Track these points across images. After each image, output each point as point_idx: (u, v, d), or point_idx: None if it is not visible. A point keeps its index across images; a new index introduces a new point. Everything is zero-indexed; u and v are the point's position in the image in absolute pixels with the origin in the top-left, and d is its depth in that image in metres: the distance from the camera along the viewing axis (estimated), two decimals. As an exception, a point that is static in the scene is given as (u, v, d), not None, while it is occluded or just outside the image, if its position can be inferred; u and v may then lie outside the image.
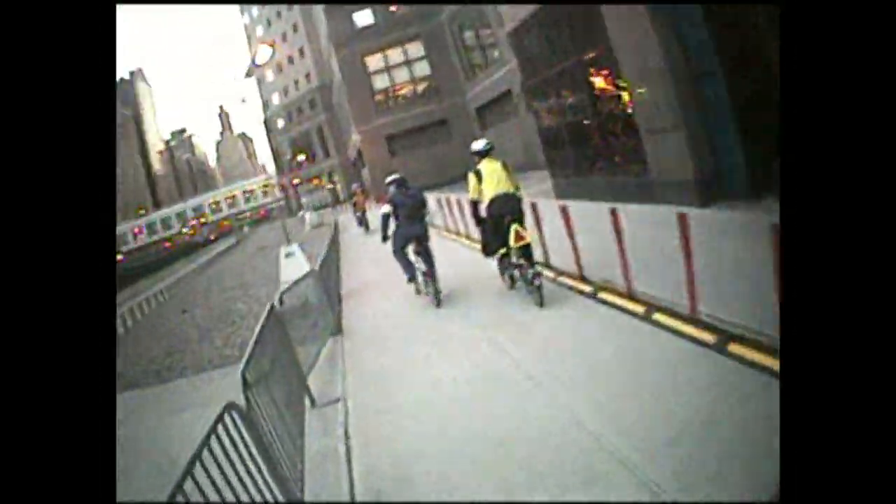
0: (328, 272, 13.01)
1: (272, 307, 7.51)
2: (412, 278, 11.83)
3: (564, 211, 9.90)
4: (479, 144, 10.40)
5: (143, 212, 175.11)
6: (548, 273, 10.78)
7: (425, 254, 11.33)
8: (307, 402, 7.76)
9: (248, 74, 20.10)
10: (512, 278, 10.51)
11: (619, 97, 15.63)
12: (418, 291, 12.03)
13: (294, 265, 17.47)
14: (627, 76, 14.80)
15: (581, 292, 9.60)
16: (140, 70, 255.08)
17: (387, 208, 11.66)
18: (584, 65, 16.81)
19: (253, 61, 20.06)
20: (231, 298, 23.32)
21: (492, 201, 9.86)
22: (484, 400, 6.69)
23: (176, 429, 9.16)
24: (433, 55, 53.85)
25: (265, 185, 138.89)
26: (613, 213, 8.48)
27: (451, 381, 7.42)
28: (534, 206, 10.92)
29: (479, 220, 10.58)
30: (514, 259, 9.89)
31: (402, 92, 55.76)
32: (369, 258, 19.65)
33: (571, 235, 9.96)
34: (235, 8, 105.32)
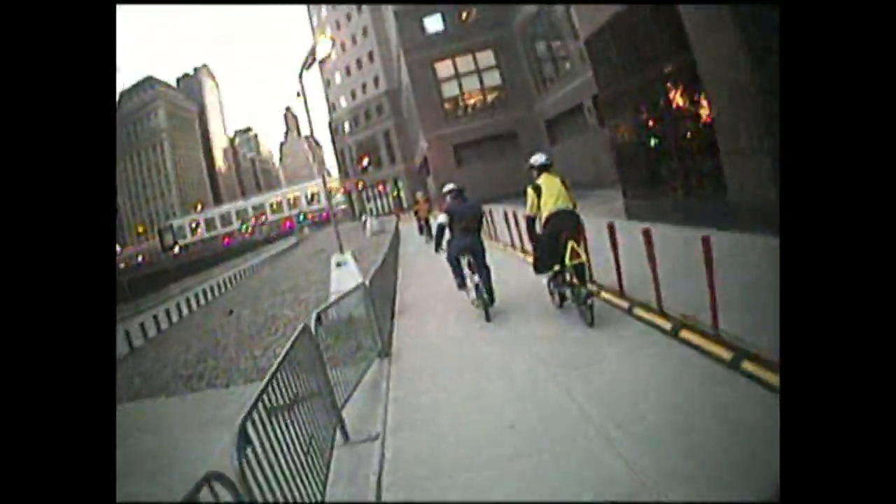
0: (382, 285, 12.22)
1: (303, 330, 6.59)
2: (462, 285, 11.80)
3: (647, 235, 8.78)
4: (539, 158, 10.27)
5: (199, 207, 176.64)
6: (621, 303, 9.98)
7: (479, 267, 11.23)
8: (339, 436, 6.88)
9: (307, 67, 19.60)
10: (562, 297, 10.29)
11: (700, 114, 14.56)
12: (474, 303, 11.53)
13: (345, 276, 16.66)
14: (710, 91, 13.80)
15: (658, 328, 8.52)
16: (206, 66, 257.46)
17: (443, 218, 11.52)
18: (663, 77, 15.74)
19: (311, 54, 19.57)
20: (280, 303, 22.64)
21: (549, 217, 9.72)
22: (545, 456, 5.68)
23: (192, 447, 8.37)
24: (503, 65, 52.97)
25: (329, 188, 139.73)
26: (706, 242, 7.37)
27: (508, 429, 6.40)
28: (611, 229, 10.06)
29: (533, 236, 10.39)
30: (567, 277, 9.68)
31: (472, 101, 55.03)
32: (429, 270, 18.64)
33: (653, 263, 8.81)
34: (304, 10, 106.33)
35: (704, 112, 14.26)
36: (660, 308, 8.88)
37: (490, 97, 54.49)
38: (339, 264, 17.35)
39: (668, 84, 15.56)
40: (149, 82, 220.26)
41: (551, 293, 10.59)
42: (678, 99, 15.37)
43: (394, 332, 11.28)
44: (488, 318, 10.88)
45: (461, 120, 54.47)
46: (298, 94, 16.46)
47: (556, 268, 9.88)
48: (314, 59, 16.01)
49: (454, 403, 7.49)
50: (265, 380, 4.97)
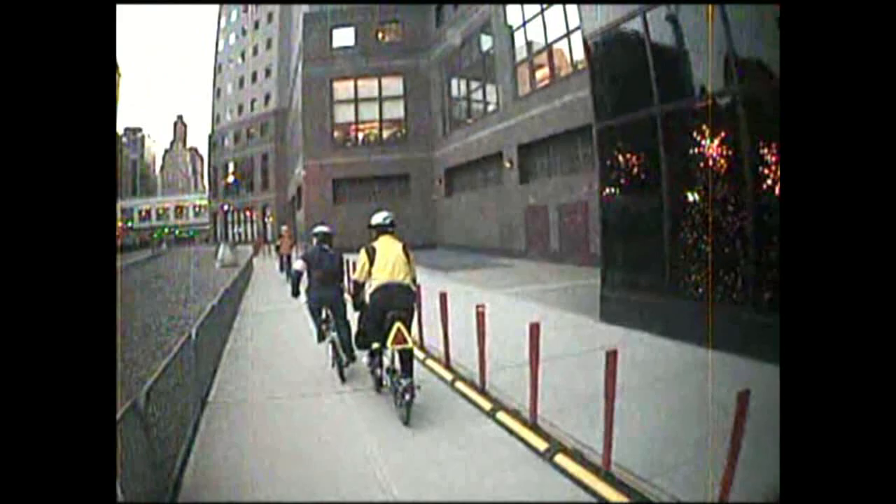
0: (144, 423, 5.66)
1: None
2: (322, 338, 10.73)
3: (612, 360, 5.87)
4: (380, 217, 9.01)
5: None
6: (535, 441, 6.82)
7: (338, 322, 10.32)
8: None
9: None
10: (380, 381, 8.99)
11: (752, 176, 9.76)
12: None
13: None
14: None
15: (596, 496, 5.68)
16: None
17: (299, 265, 10.76)
18: (699, 111, 10.62)
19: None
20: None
21: (378, 289, 8.48)
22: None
23: None
24: (411, 97, 46.99)
25: (198, 205, 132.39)
26: (743, 400, 4.87)
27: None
28: (532, 332, 7.28)
29: (357, 305, 9.24)
30: (388, 362, 8.56)
31: (366, 131, 48.54)
32: (284, 345, 12.90)
33: (609, 394, 5.87)
34: (215, 12, 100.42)
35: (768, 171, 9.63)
36: (605, 466, 5.93)
37: (387, 132, 48.18)
38: None
39: (705, 121, 10.53)
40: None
41: (372, 373, 9.20)
42: (716, 147, 10.37)
43: None
44: (343, 378, 9.93)
45: (350, 151, 47.70)
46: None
47: (375, 346, 8.65)
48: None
49: None
50: None
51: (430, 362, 10.61)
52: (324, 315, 10.65)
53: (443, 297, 10.01)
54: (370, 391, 9.17)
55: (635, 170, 12.37)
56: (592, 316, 13.12)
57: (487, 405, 8.03)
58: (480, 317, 8.68)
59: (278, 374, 10.82)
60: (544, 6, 29.49)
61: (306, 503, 5.66)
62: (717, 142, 10.36)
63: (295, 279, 10.93)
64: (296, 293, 10.97)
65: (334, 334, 10.34)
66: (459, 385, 9.05)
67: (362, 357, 9.54)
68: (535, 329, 7.22)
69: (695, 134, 10.72)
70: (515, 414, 7.61)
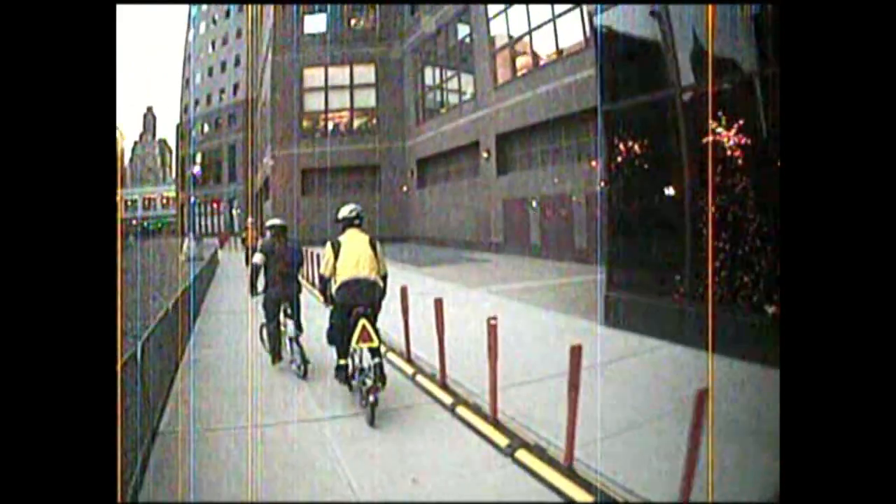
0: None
1: None
2: (277, 357, 10.12)
3: (699, 401, 4.69)
4: (346, 210, 8.63)
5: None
6: (572, 490, 5.43)
7: (296, 314, 10.00)
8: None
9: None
10: (349, 382, 8.38)
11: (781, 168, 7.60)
12: (281, 357, 10.13)
13: None
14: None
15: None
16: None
17: (258, 258, 10.00)
18: (722, 93, 9.44)
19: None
20: None
21: (342, 285, 8.16)
22: None
23: None
24: (383, 85, 45.40)
25: (166, 197, 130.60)
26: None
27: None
28: (574, 354, 5.82)
29: (327, 300, 8.68)
30: (356, 360, 8.12)
31: (337, 120, 46.81)
32: (252, 352, 10.89)
33: (694, 441, 4.70)
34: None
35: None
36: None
37: (358, 121, 46.68)
38: None
39: (743, 105, 9.24)
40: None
41: (336, 371, 8.53)
42: (750, 134, 9.05)
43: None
44: (305, 375, 9.41)
45: (319, 141, 45.67)
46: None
47: (343, 362, 8.27)
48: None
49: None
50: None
51: (420, 378, 9.04)
52: (283, 309, 10.16)
53: (438, 303, 8.72)
54: (352, 417, 7.73)
55: (648, 157, 10.92)
56: (594, 319, 11.56)
57: (503, 440, 6.49)
58: (493, 330, 7.06)
59: (243, 390, 9.11)
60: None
61: (305, 503, 5.43)
62: (735, 129, 9.14)
63: (254, 273, 10.29)
64: (253, 289, 10.26)
65: (292, 330, 10.00)
66: (461, 411, 7.51)
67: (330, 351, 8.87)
68: (576, 352, 5.77)
69: (715, 120, 9.40)
70: (540, 452, 6.13)
